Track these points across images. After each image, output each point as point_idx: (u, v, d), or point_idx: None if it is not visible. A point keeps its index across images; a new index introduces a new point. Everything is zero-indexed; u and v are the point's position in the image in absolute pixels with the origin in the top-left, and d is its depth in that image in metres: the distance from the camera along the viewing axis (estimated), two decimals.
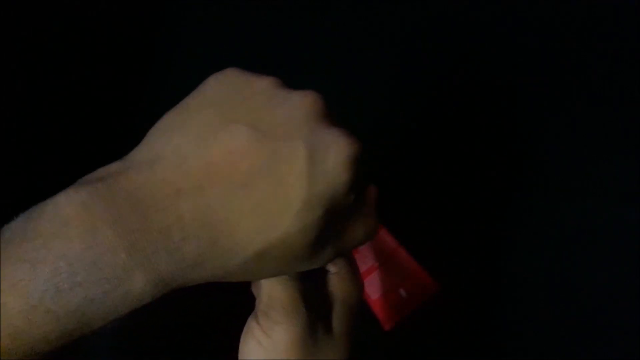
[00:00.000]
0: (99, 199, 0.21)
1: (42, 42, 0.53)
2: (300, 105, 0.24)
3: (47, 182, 0.48)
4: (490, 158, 0.53)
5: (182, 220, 0.22)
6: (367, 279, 0.48)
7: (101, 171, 0.23)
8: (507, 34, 0.57)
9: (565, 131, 0.54)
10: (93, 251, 0.21)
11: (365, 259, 0.49)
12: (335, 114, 0.26)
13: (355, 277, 0.31)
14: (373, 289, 0.48)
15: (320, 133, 0.24)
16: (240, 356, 0.29)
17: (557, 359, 0.47)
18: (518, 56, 0.57)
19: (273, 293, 0.28)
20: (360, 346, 0.47)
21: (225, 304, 0.38)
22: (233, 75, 0.25)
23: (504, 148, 0.54)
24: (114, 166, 0.23)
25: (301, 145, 0.23)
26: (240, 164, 0.23)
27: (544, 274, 0.49)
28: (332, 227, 0.25)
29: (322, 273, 0.31)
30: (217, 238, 0.23)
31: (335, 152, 0.23)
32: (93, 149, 0.50)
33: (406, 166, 0.53)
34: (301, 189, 0.23)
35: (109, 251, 0.21)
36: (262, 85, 0.25)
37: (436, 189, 0.51)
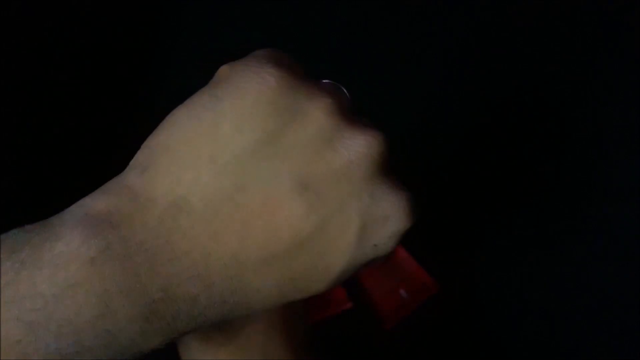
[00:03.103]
0: (112, 257, 0.17)
1: (40, 40, 0.53)
2: (361, 157, 0.20)
3: (46, 181, 0.48)
4: (491, 158, 0.53)
5: (210, 289, 0.19)
6: (368, 279, 0.48)
7: (109, 202, 0.18)
8: (507, 38, 0.58)
9: (565, 131, 0.54)
10: (105, 320, 0.17)
11: None
12: (397, 158, 0.21)
13: None
14: (373, 288, 0.48)
15: (380, 201, 0.20)
16: None
17: (557, 359, 0.47)
18: (517, 57, 0.57)
19: None
20: (361, 346, 0.47)
21: None
22: (279, 87, 0.19)
23: (504, 148, 0.54)
24: (125, 199, 0.19)
25: (356, 215, 0.20)
26: (282, 229, 0.19)
27: (544, 274, 0.49)
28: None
29: None
30: (245, 302, 0.20)
31: (391, 227, 0.20)
32: (92, 144, 0.50)
33: (406, 166, 0.53)
34: (344, 260, 0.20)
35: (124, 320, 0.18)
36: (317, 115, 0.20)
37: (436, 188, 0.51)
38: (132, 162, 0.20)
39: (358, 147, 0.20)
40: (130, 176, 0.19)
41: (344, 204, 0.19)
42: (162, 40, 0.57)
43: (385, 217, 0.20)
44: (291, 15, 0.58)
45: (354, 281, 0.48)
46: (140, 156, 0.20)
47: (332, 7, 0.58)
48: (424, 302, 0.47)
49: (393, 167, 0.21)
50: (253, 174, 0.19)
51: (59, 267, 0.17)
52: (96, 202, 0.19)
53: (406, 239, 0.51)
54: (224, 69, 0.21)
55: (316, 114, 0.20)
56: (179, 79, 0.54)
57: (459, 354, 0.47)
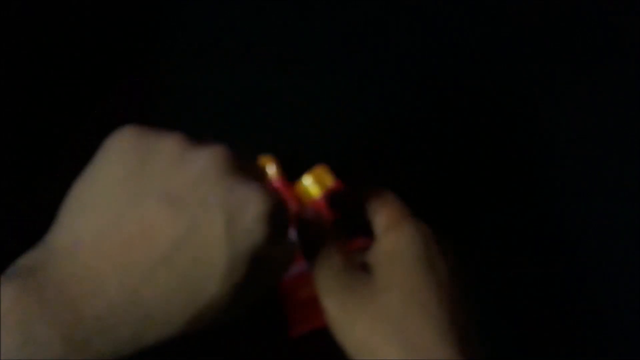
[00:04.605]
0: (30, 294, 0.22)
1: (40, 40, 0.53)
2: (209, 163, 0.24)
3: (46, 181, 0.48)
4: (490, 158, 0.53)
5: (112, 304, 0.23)
6: None
7: (29, 260, 0.23)
8: (507, 32, 0.58)
9: (565, 131, 0.54)
10: (30, 346, 0.21)
11: None
12: (249, 160, 0.26)
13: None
14: None
15: (235, 191, 0.24)
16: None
17: (557, 358, 0.47)
18: (517, 55, 0.57)
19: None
20: None
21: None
22: (133, 137, 0.25)
23: (504, 148, 0.54)
24: (39, 254, 0.24)
25: (217, 209, 0.23)
26: (159, 240, 0.23)
27: (544, 274, 0.49)
28: (258, 273, 0.25)
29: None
30: (150, 314, 0.23)
31: (252, 210, 0.24)
32: (92, 144, 0.50)
33: (405, 166, 0.53)
34: (223, 252, 0.23)
35: (45, 345, 0.21)
36: (166, 146, 0.25)
37: (436, 188, 0.51)
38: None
39: (206, 156, 0.24)
40: (46, 237, 0.25)
41: (205, 203, 0.23)
42: (162, 40, 0.57)
43: (244, 203, 0.24)
44: (291, 15, 0.58)
45: None
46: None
47: (332, 7, 0.58)
48: None
49: (247, 169, 0.26)
50: (128, 201, 0.24)
51: None
52: (22, 259, 0.24)
53: None
54: None
55: (167, 143, 0.25)
56: (179, 79, 0.54)
57: None
